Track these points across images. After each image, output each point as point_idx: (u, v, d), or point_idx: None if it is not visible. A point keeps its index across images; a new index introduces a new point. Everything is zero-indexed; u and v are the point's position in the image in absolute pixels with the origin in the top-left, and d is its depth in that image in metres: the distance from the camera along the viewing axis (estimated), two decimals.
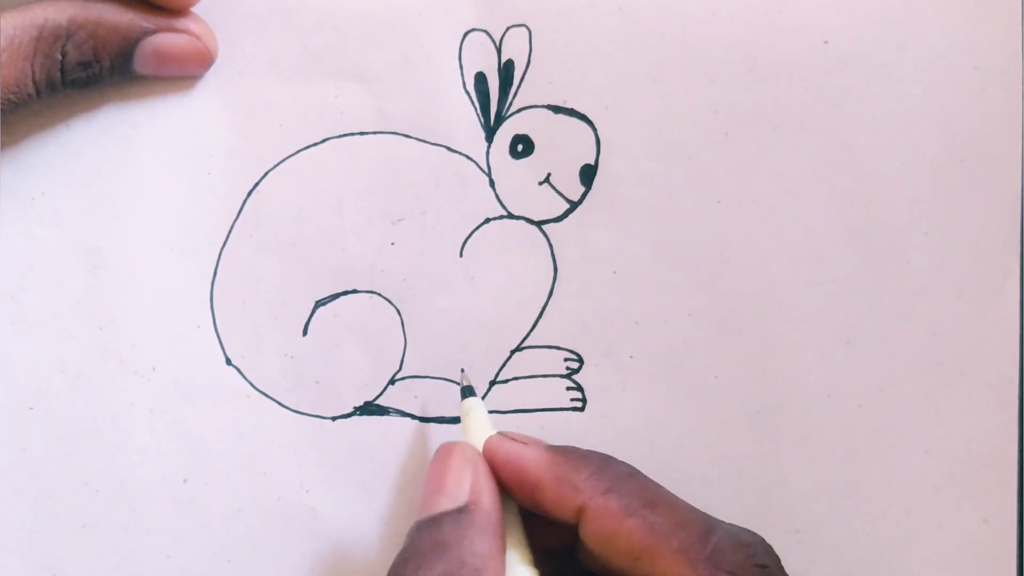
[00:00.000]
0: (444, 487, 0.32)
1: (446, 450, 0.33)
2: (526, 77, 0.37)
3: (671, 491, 0.32)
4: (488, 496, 0.32)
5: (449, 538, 0.31)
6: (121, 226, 0.36)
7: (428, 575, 0.30)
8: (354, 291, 0.36)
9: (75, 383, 0.36)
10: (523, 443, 0.33)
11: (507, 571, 0.32)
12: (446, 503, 0.32)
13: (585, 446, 0.36)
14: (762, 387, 0.36)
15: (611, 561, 0.31)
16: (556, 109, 0.37)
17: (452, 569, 0.30)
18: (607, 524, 0.31)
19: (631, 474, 0.32)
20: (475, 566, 0.31)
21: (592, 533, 0.31)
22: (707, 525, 0.31)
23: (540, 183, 0.37)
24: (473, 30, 0.36)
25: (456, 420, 0.37)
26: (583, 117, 0.37)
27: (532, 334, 0.37)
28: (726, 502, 0.36)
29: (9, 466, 0.35)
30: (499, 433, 0.33)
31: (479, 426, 0.34)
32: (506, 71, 0.36)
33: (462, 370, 0.36)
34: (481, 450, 0.33)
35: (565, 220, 0.37)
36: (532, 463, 0.32)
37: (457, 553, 0.31)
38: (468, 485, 0.32)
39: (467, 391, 0.35)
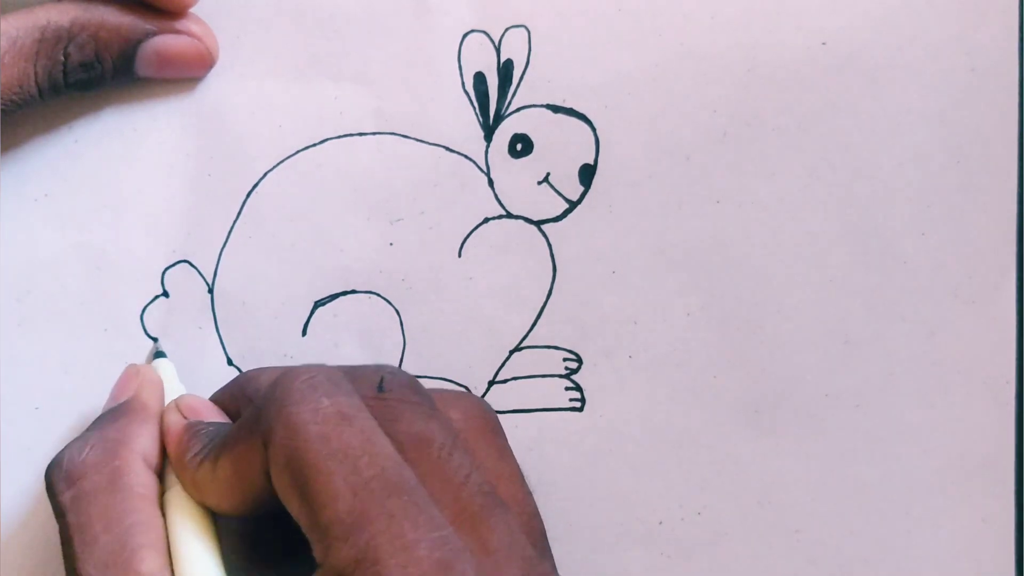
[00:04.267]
0: (111, 396, 0.34)
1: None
2: (525, 76, 0.37)
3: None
4: (147, 392, 0.33)
5: (102, 423, 0.32)
6: (123, 227, 0.36)
7: (66, 451, 0.31)
8: (353, 291, 0.37)
9: (80, 383, 0.36)
10: (184, 415, 0.33)
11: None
12: (111, 405, 0.34)
13: (584, 446, 0.36)
14: (760, 387, 0.36)
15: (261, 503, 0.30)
16: (555, 108, 0.37)
17: (94, 442, 0.31)
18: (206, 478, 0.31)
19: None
20: (115, 439, 0.31)
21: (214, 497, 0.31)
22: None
23: (539, 183, 0.37)
24: (472, 31, 0.36)
25: None
26: (582, 116, 0.37)
27: (531, 334, 0.37)
28: (725, 502, 0.36)
29: (14, 465, 0.36)
30: (177, 400, 0.33)
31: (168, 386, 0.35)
32: (505, 70, 0.36)
33: (155, 339, 0.36)
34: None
35: (564, 220, 0.37)
36: (169, 438, 0.32)
37: (101, 433, 0.32)
38: (133, 390, 0.34)
39: (159, 354, 0.36)
